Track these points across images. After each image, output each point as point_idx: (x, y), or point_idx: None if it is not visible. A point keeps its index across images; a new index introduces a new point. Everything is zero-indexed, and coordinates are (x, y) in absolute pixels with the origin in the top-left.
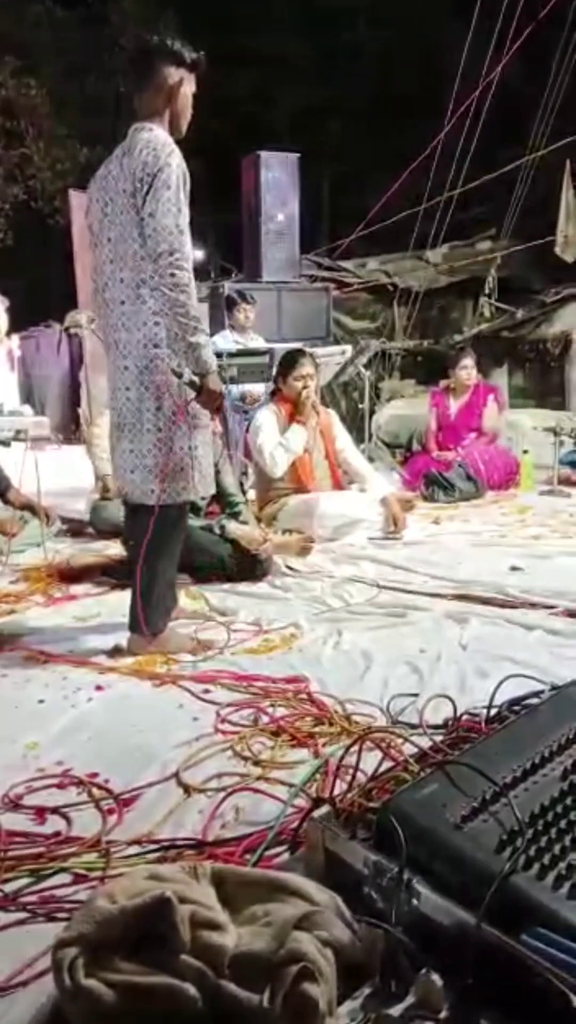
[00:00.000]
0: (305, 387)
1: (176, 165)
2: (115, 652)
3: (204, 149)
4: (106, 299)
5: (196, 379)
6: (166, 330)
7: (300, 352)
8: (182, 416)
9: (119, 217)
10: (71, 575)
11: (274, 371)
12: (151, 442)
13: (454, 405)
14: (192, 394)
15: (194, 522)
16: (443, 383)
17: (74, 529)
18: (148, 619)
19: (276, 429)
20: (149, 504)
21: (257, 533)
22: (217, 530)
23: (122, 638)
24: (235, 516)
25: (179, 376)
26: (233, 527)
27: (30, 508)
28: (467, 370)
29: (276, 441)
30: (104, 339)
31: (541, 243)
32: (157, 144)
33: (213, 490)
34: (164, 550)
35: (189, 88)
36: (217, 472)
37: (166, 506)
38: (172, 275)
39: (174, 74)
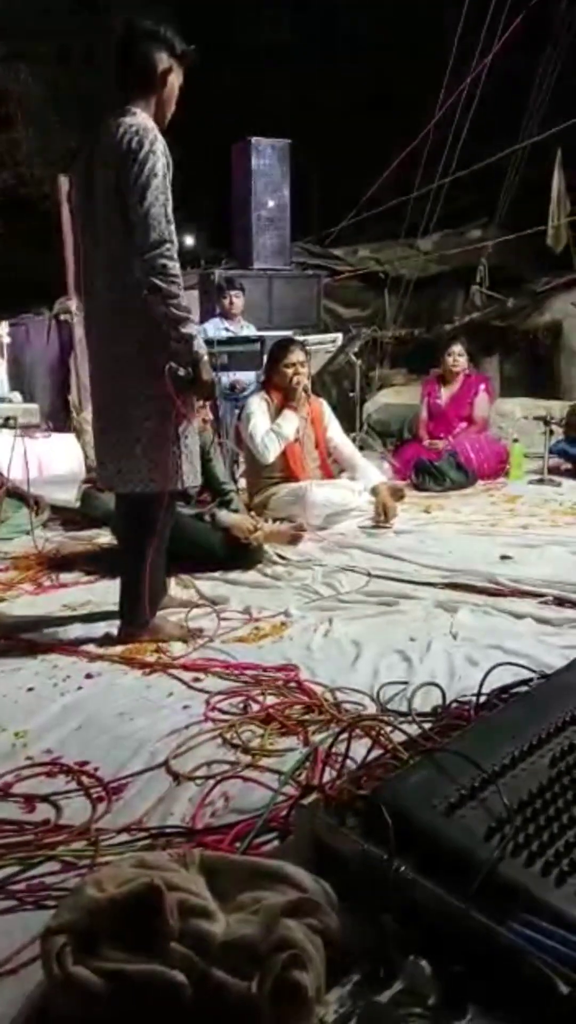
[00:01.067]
0: (296, 374)
1: (162, 152)
2: (105, 640)
3: (195, 135)
4: (92, 285)
5: (189, 371)
6: (154, 319)
7: (290, 340)
8: (181, 409)
9: (102, 203)
10: (61, 563)
11: (265, 359)
12: (140, 430)
13: (445, 394)
14: (183, 386)
15: (185, 511)
16: (434, 372)
17: (64, 517)
18: (138, 607)
19: (267, 416)
20: (137, 492)
21: (248, 522)
22: (208, 518)
23: (112, 626)
24: (226, 505)
25: (174, 371)
26: (223, 515)
27: (19, 496)
28: (453, 356)
29: (268, 427)
30: (87, 325)
31: (532, 232)
32: (141, 129)
33: (201, 480)
34: (153, 538)
35: (176, 79)
36: (208, 460)
37: (155, 494)
38: (164, 265)
39: (164, 60)
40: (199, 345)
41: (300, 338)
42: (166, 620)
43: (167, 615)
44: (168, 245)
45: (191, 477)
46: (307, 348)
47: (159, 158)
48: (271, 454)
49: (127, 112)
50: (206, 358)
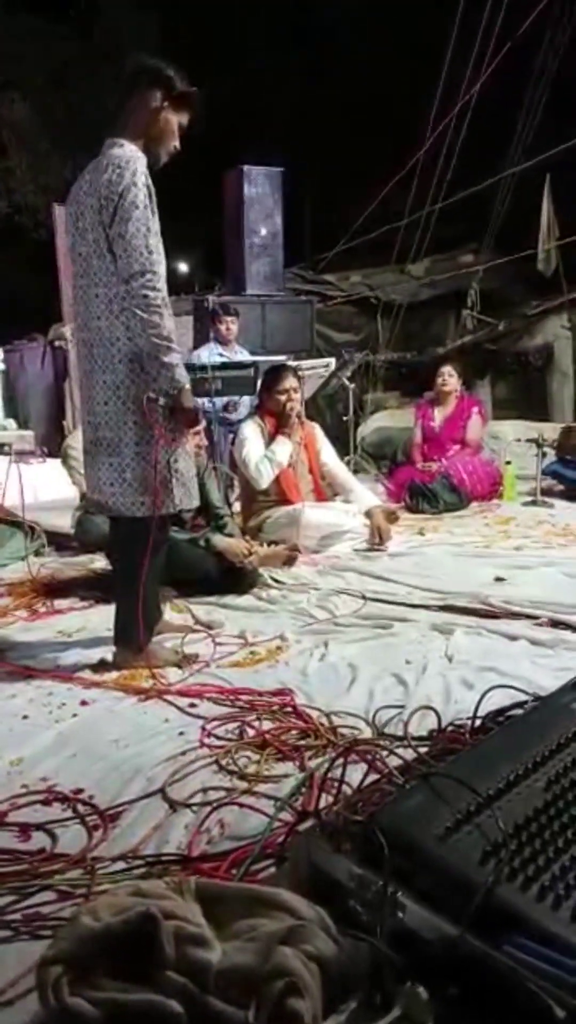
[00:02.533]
0: (289, 400)
1: (142, 183)
2: (100, 666)
3: (188, 160)
4: (82, 313)
5: (169, 400)
6: (140, 348)
7: (283, 367)
8: (161, 436)
9: (88, 233)
10: (55, 589)
11: (258, 385)
12: (131, 455)
13: (439, 417)
14: (166, 414)
15: (180, 535)
16: (427, 395)
17: (59, 543)
18: (133, 631)
19: (261, 442)
20: (130, 517)
21: (242, 546)
22: (202, 543)
23: (107, 652)
24: (221, 529)
25: (154, 401)
26: (218, 539)
27: (14, 523)
28: (443, 377)
29: (262, 453)
30: (78, 352)
31: (522, 256)
32: (123, 161)
33: (196, 503)
34: (146, 562)
35: (174, 117)
36: (202, 485)
37: (147, 519)
38: (144, 296)
39: (157, 98)
40: (180, 374)
41: (293, 363)
42: (161, 646)
43: (162, 640)
44: (149, 276)
45: (184, 500)
46: (300, 373)
47: (140, 189)
48: (265, 480)
49: (115, 144)
50: (187, 386)
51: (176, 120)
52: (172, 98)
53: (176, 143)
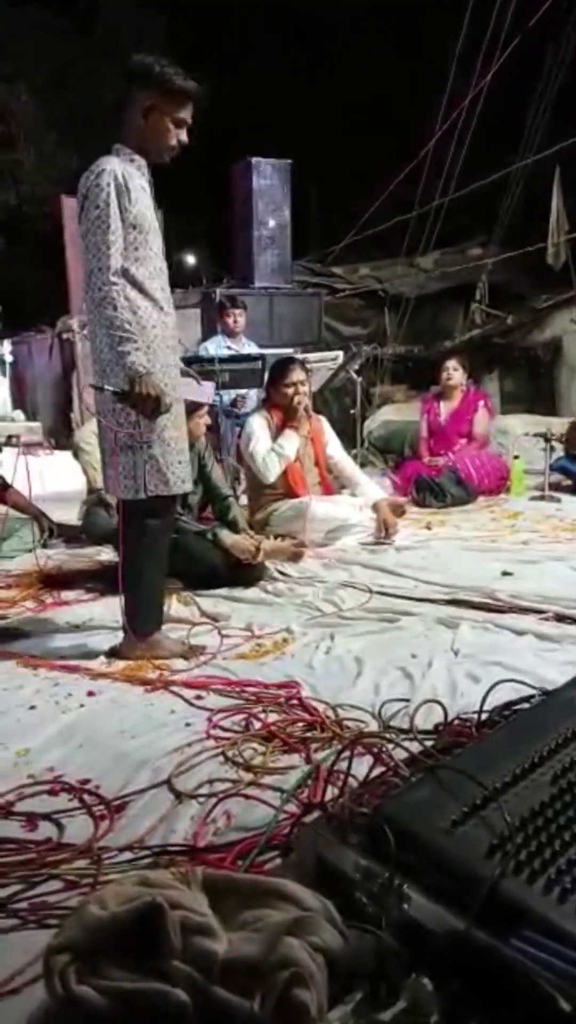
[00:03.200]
0: (296, 394)
1: (106, 183)
2: (107, 657)
3: (196, 154)
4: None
5: (120, 387)
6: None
7: (290, 360)
8: (117, 432)
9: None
10: (62, 580)
11: (265, 378)
12: (110, 441)
13: (445, 411)
14: (112, 404)
15: (188, 527)
16: (434, 389)
17: (67, 535)
18: (136, 621)
19: (268, 435)
20: (118, 499)
21: (249, 543)
22: (209, 536)
23: (113, 643)
24: (225, 512)
25: (99, 389)
26: (225, 535)
27: (29, 513)
28: (448, 371)
29: (269, 447)
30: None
31: (531, 250)
32: (94, 166)
33: (180, 490)
34: (146, 550)
35: (166, 115)
36: (203, 467)
37: (135, 502)
38: (99, 289)
39: (143, 99)
40: (132, 360)
41: (300, 356)
42: (166, 637)
43: (168, 631)
44: (97, 273)
45: (160, 487)
46: (308, 366)
47: (102, 189)
48: (272, 474)
49: (109, 150)
50: (141, 373)
51: (169, 117)
52: (162, 94)
53: (175, 139)
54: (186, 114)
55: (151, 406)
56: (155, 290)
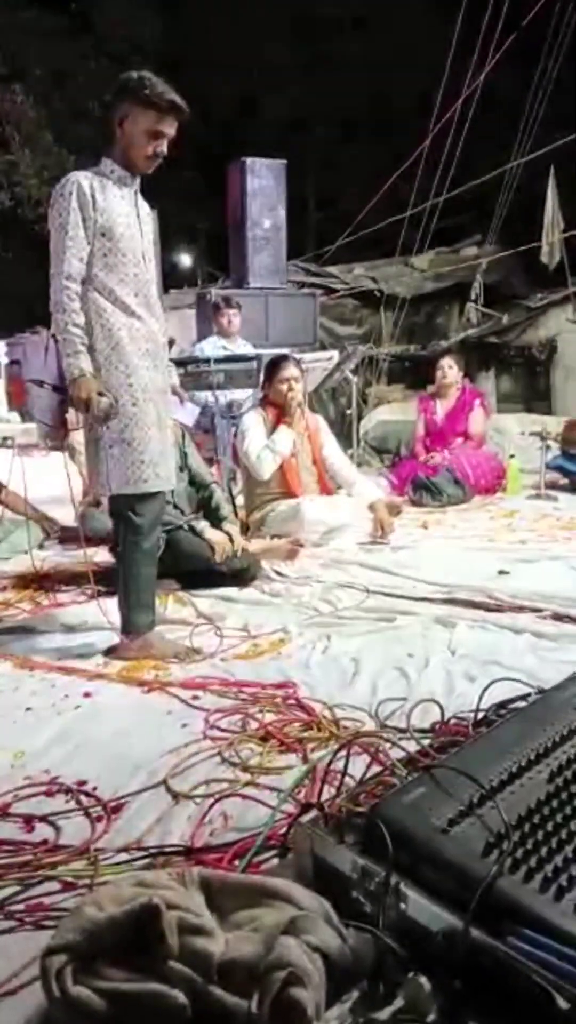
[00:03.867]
0: (290, 389)
1: (68, 193)
2: (103, 658)
3: (191, 154)
4: None
5: (60, 386)
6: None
7: (284, 356)
8: (56, 426)
9: None
10: (58, 582)
11: (261, 377)
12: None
13: (441, 410)
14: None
15: (178, 523)
16: (430, 388)
17: (63, 536)
18: (127, 621)
19: (263, 432)
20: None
21: (226, 542)
22: (186, 528)
23: (110, 644)
24: (208, 500)
25: (39, 385)
26: (203, 527)
27: (25, 515)
28: (443, 370)
29: (263, 444)
30: None
31: (526, 249)
32: (64, 178)
33: (149, 487)
34: (133, 549)
35: (139, 124)
36: (185, 455)
37: (115, 499)
38: (54, 293)
39: (119, 111)
40: (69, 363)
41: (296, 356)
42: (162, 637)
43: (164, 632)
44: (57, 276)
45: (120, 485)
46: (303, 365)
47: (64, 199)
48: (266, 471)
49: (94, 164)
50: (76, 377)
51: (142, 130)
52: (135, 106)
53: (150, 150)
54: (162, 126)
55: (83, 408)
56: (126, 295)
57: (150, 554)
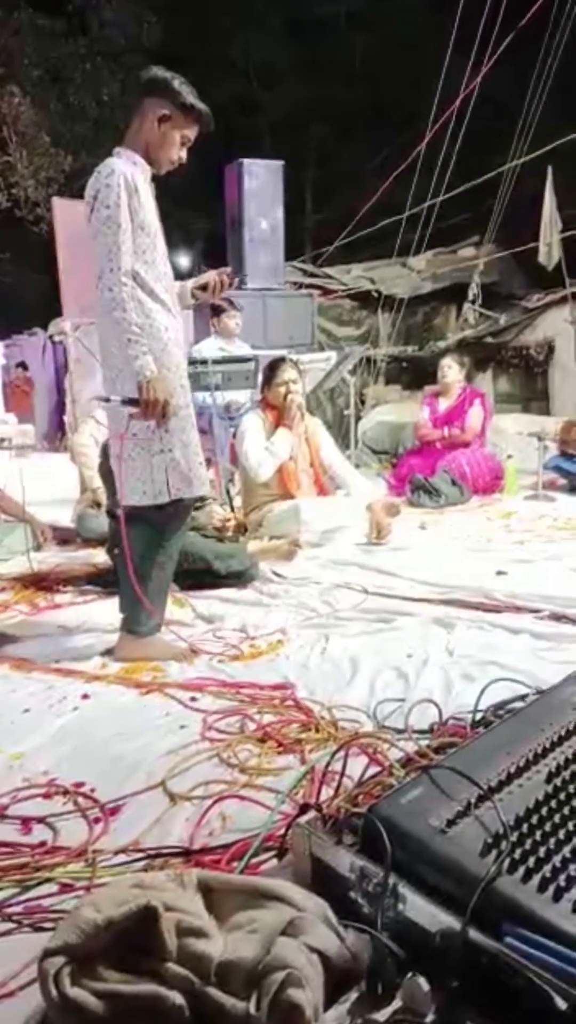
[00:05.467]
0: (289, 392)
1: (116, 184)
2: (101, 659)
3: (193, 148)
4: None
5: (126, 395)
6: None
7: (282, 359)
8: (124, 438)
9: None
10: (56, 583)
11: (259, 379)
12: (131, 446)
13: (443, 408)
14: (131, 410)
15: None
16: (430, 388)
17: (60, 538)
18: (137, 623)
19: (261, 435)
20: (132, 505)
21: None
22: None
23: (108, 646)
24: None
25: (106, 400)
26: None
27: (20, 518)
28: (443, 370)
29: (262, 446)
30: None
31: (523, 250)
32: (103, 167)
33: (199, 492)
34: (158, 552)
35: (177, 130)
36: None
37: (145, 508)
38: (110, 291)
39: (158, 109)
40: (142, 364)
41: (294, 357)
42: (161, 639)
43: (162, 633)
44: (108, 274)
45: (183, 489)
46: (300, 367)
47: (112, 190)
48: (264, 473)
49: (114, 153)
50: (150, 377)
51: (179, 133)
52: (175, 110)
53: (178, 155)
54: (193, 133)
55: (161, 410)
56: (163, 292)
57: (174, 561)
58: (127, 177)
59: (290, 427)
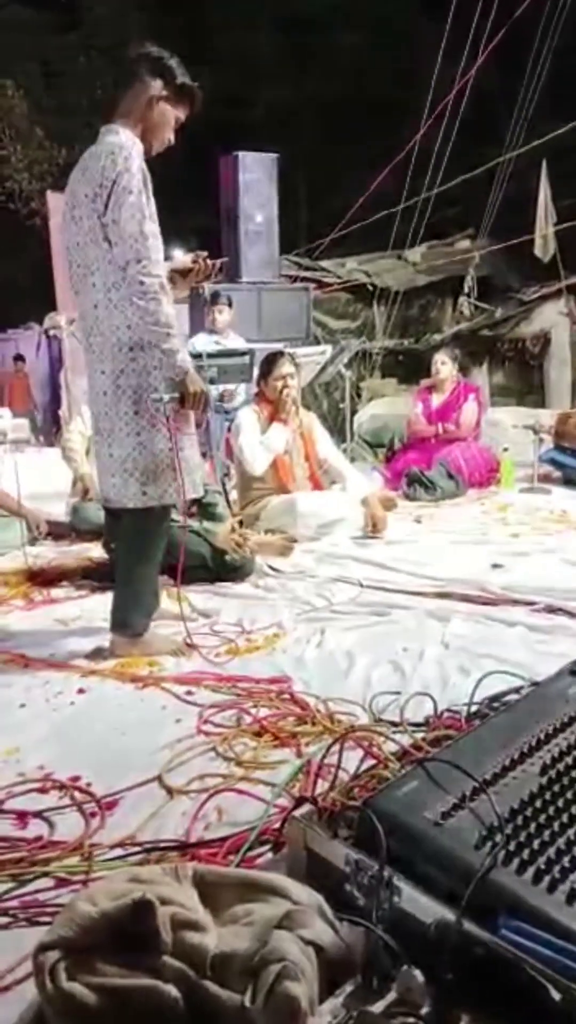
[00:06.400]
0: (285, 387)
1: (137, 168)
2: (97, 655)
3: (181, 147)
4: (81, 303)
5: (175, 394)
6: (139, 336)
7: (279, 353)
8: (173, 428)
9: (84, 221)
10: (51, 578)
11: (255, 372)
12: (131, 445)
13: (436, 403)
14: (175, 405)
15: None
16: (424, 382)
17: (55, 532)
18: (129, 620)
19: (257, 428)
20: (131, 507)
21: (231, 539)
22: (202, 532)
23: (103, 641)
24: (212, 513)
25: (160, 400)
26: (211, 527)
27: (16, 512)
28: (436, 365)
29: (257, 440)
30: (81, 342)
31: (519, 242)
32: (116, 147)
33: (201, 492)
34: (147, 552)
35: (171, 109)
36: None
37: (149, 508)
38: (140, 283)
39: (156, 86)
40: (182, 359)
41: (289, 350)
42: (157, 634)
43: (158, 628)
44: (144, 262)
45: (190, 489)
46: (296, 361)
47: (134, 174)
48: (259, 466)
49: (110, 131)
50: (191, 370)
51: (173, 113)
52: (171, 89)
53: (170, 136)
54: (184, 114)
55: (202, 401)
56: (166, 282)
57: (159, 557)
58: (140, 158)
59: (285, 421)
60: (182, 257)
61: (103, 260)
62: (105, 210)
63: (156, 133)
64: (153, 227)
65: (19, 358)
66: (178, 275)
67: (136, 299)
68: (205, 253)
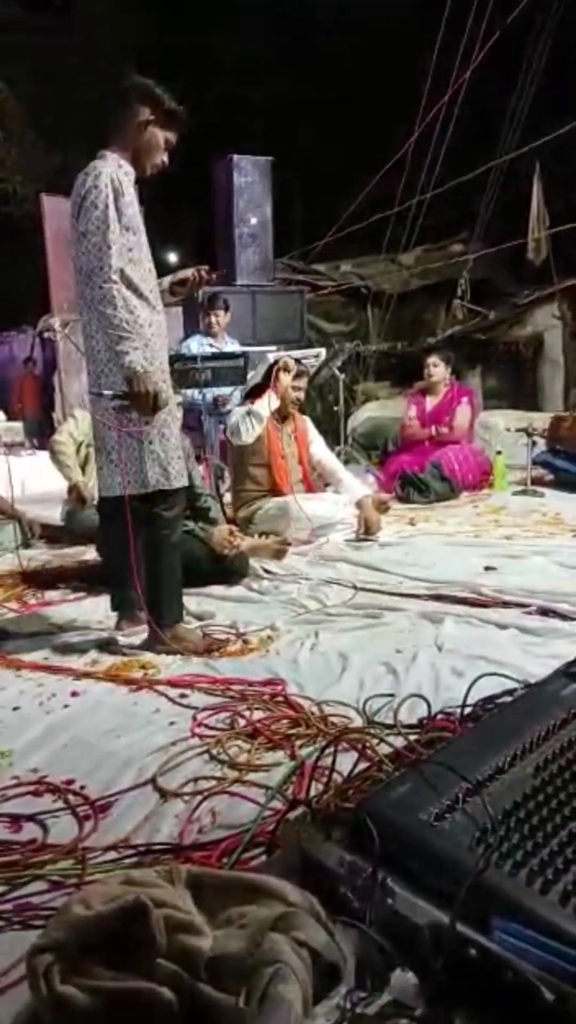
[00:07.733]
0: (295, 390)
1: (104, 184)
2: (93, 655)
3: (177, 151)
4: (79, 307)
5: (118, 389)
6: (101, 340)
7: (297, 361)
8: (120, 429)
9: (72, 234)
10: (46, 581)
11: (249, 375)
12: (105, 440)
13: (429, 406)
14: (117, 404)
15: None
16: (417, 385)
17: (49, 535)
18: (161, 613)
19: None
20: (113, 496)
21: (225, 534)
22: (198, 532)
23: (99, 644)
24: (206, 514)
25: (99, 395)
26: (204, 527)
27: (11, 516)
28: (429, 368)
29: (244, 410)
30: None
31: (512, 246)
32: (91, 168)
33: (178, 484)
34: (163, 543)
35: (160, 132)
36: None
37: (141, 497)
38: (100, 288)
39: (144, 113)
40: (131, 359)
41: (283, 353)
42: (190, 629)
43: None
44: (101, 271)
45: (160, 480)
46: (305, 369)
47: (100, 191)
48: (249, 435)
49: (99, 156)
50: (140, 372)
51: (163, 135)
52: (159, 114)
53: (163, 158)
54: (174, 137)
55: (150, 404)
56: (147, 291)
57: (178, 546)
58: (114, 178)
59: (283, 417)
60: (183, 272)
61: (81, 272)
62: (75, 223)
63: (148, 155)
64: (132, 237)
65: (29, 360)
66: (178, 286)
67: (97, 304)
68: (206, 267)
